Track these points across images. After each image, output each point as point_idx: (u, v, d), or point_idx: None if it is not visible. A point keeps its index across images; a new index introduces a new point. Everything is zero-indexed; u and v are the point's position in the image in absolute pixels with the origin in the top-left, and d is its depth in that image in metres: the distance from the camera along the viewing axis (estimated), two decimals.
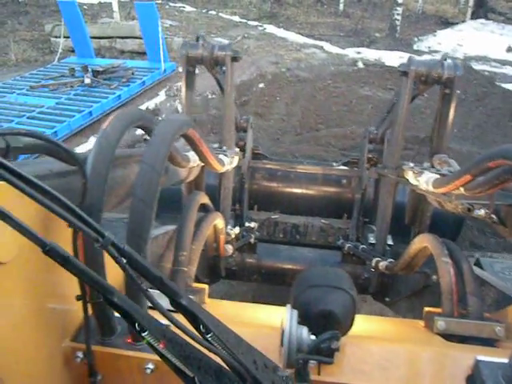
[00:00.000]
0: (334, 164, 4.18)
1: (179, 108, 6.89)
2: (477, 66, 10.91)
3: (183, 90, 2.92)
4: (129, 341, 0.99)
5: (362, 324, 1.53)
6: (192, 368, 0.85)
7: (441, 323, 1.62)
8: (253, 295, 4.10)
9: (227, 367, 0.87)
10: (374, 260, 3.05)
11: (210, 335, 0.85)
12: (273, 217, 3.98)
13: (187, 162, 1.90)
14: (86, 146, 6.03)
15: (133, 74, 8.14)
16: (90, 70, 7.96)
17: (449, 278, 1.78)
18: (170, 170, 1.92)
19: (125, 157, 1.20)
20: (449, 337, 1.59)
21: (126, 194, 1.57)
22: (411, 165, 2.56)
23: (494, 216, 1.84)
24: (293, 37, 13.78)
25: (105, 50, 11.10)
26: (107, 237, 0.75)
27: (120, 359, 1.18)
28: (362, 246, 3.41)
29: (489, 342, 1.56)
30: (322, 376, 1.21)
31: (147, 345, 0.82)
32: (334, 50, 11.98)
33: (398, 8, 12.73)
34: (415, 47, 12.95)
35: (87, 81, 7.68)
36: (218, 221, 2.34)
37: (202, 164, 2.18)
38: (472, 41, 13.26)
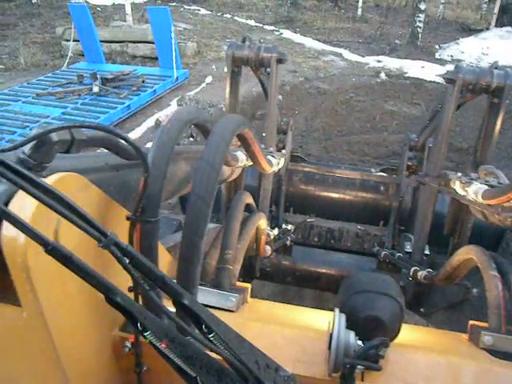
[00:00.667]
0: (373, 170, 4.13)
1: None
2: None
3: (227, 90, 2.95)
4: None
5: (406, 333, 1.50)
6: (194, 368, 0.85)
7: (487, 338, 1.56)
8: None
9: (229, 367, 0.87)
10: (412, 269, 2.99)
11: (212, 335, 0.84)
12: (308, 220, 3.98)
13: (236, 161, 1.92)
14: None
15: (143, 81, 7.77)
16: (98, 77, 7.60)
17: (496, 293, 1.73)
18: None
19: (174, 153, 1.16)
20: (494, 353, 1.53)
21: (173, 190, 1.59)
22: (458, 174, 2.51)
23: None
24: (310, 43, 13.35)
25: (116, 54, 10.77)
26: (110, 236, 0.74)
27: None
28: (398, 254, 3.36)
29: None
30: (366, 382, 1.20)
31: (149, 344, 0.82)
32: (354, 57, 11.52)
33: (421, 15, 12.23)
34: (437, 55, 12.42)
35: (95, 89, 7.31)
36: (262, 221, 2.41)
37: (245, 164, 2.21)
38: (497, 49, 12.68)
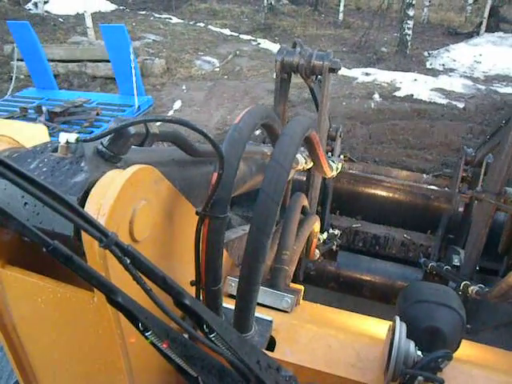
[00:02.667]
0: (425, 176, 4.06)
1: None
2: (501, 89, 9.47)
3: (274, 98, 2.83)
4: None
5: (464, 348, 1.41)
6: (195, 368, 0.85)
7: None
8: None
9: (230, 367, 0.87)
10: (463, 283, 2.92)
11: (213, 335, 0.85)
12: (354, 226, 3.93)
13: (296, 164, 2.02)
14: None
15: (98, 114, 6.56)
16: (44, 110, 6.39)
17: None
18: None
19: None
20: None
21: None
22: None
23: None
24: None
25: (73, 75, 9.51)
26: (111, 236, 0.74)
27: None
28: (445, 267, 3.30)
29: None
30: None
31: (150, 344, 0.82)
32: (341, 70, 10.49)
33: (409, 22, 11.29)
34: (428, 65, 11.49)
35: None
36: (316, 224, 2.44)
37: (304, 167, 2.25)
38: (491, 57, 11.82)
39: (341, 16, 16.72)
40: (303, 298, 1.74)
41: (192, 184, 1.18)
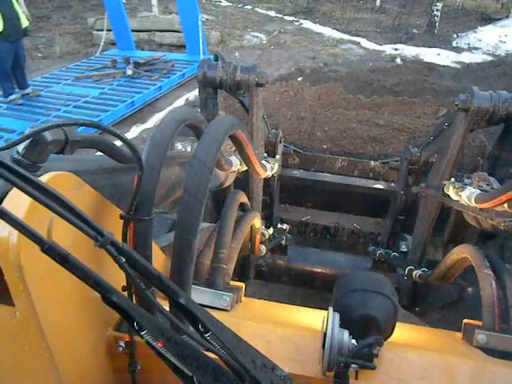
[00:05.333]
0: (372, 163, 4.06)
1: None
2: None
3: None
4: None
5: (400, 331, 1.51)
6: (190, 367, 0.85)
7: (481, 337, 1.58)
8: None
9: (226, 366, 0.87)
10: (407, 268, 3.01)
11: (208, 334, 0.85)
12: (304, 219, 4.00)
13: (229, 166, 1.90)
14: (128, 135, 6.24)
15: (173, 66, 8.33)
16: (131, 61, 8.18)
17: (490, 291, 1.74)
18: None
19: (168, 158, 1.23)
20: (488, 351, 1.55)
21: (167, 194, 1.58)
22: (452, 180, 2.50)
23: None
24: (329, 32, 13.75)
25: (144, 42, 11.36)
26: (106, 236, 0.75)
27: None
28: (393, 254, 3.37)
29: None
30: (360, 381, 1.20)
31: (145, 343, 0.83)
32: (371, 46, 11.90)
33: (438, 3, 12.52)
34: (454, 44, 12.69)
35: (129, 72, 7.90)
36: (256, 220, 2.34)
37: (239, 169, 2.16)
38: None
39: (378, 2, 17.95)
40: (245, 295, 1.75)
41: (123, 190, 1.18)
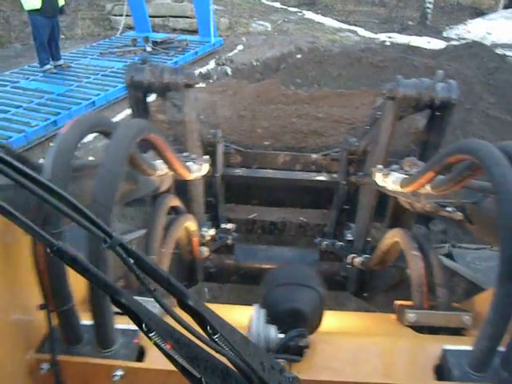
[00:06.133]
0: (314, 156, 4.03)
1: (228, 71, 8.04)
2: (502, 52, 11.64)
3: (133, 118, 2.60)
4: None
5: (334, 320, 1.51)
6: (199, 369, 0.85)
7: (411, 316, 1.65)
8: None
9: (234, 368, 0.87)
10: (350, 256, 3.08)
11: (216, 336, 0.85)
12: (250, 217, 3.98)
13: (154, 170, 1.85)
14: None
15: (187, 45, 9.36)
16: (150, 40, 9.21)
17: (418, 271, 1.81)
18: (141, 180, 1.90)
19: (84, 167, 1.20)
20: (420, 328, 1.62)
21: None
22: (379, 167, 2.53)
23: (460, 213, 1.82)
24: (330, 22, 14.74)
25: (159, 27, 12.38)
26: (115, 237, 0.76)
27: (87, 367, 1.18)
28: (339, 243, 3.41)
29: (458, 332, 1.59)
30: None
31: (154, 345, 0.83)
32: (368, 34, 12.90)
33: None
34: (445, 34, 13.67)
35: (148, 49, 8.93)
36: (190, 223, 2.31)
37: (167, 173, 2.13)
38: (501, 29, 13.86)
39: None
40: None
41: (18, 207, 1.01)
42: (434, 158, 1.69)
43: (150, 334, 0.82)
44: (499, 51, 11.83)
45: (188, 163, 2.43)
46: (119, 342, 1.24)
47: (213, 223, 3.42)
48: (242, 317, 1.30)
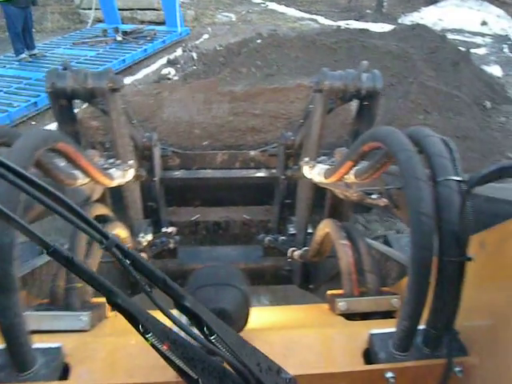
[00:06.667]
0: (252, 153, 4.04)
1: (194, 56, 8.65)
2: (451, 36, 12.58)
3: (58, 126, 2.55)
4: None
5: (266, 316, 1.53)
6: (196, 370, 0.84)
7: (342, 304, 1.66)
8: None
9: (231, 369, 0.86)
10: (290, 250, 3.12)
11: (213, 337, 0.85)
12: (193, 219, 3.93)
13: (74, 180, 1.78)
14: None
15: (155, 34, 9.93)
16: (120, 30, 9.73)
17: (346, 260, 1.83)
18: (68, 190, 1.84)
19: None
20: (352, 316, 1.64)
21: (24, 216, 1.52)
22: (306, 159, 2.54)
23: (386, 200, 1.83)
24: (292, 12, 15.45)
25: (127, 19, 12.84)
26: (111, 238, 0.75)
27: None
28: (281, 238, 3.43)
29: (389, 315, 1.62)
30: None
31: (151, 346, 0.81)
32: (327, 22, 13.68)
33: None
34: (399, 21, 14.56)
35: (119, 38, 9.46)
36: (118, 231, 2.25)
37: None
38: (452, 16, 14.85)
39: None
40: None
41: None
42: (351, 147, 1.71)
43: (147, 335, 0.82)
44: (449, 35, 12.85)
45: (111, 170, 2.36)
46: (39, 363, 1.18)
47: (155, 228, 3.38)
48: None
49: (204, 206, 4.14)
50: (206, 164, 4.03)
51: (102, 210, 2.17)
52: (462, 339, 1.30)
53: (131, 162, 2.66)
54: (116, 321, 1.63)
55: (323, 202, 3.00)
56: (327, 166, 2.25)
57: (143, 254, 2.87)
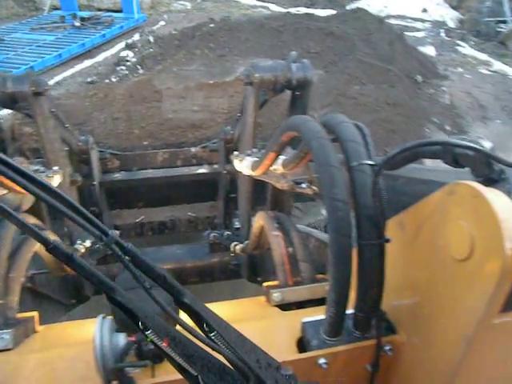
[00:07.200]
0: (193, 149, 4.02)
1: (151, 39, 9.13)
2: (394, 22, 13.54)
3: None
4: None
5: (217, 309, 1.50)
6: (195, 367, 0.84)
7: (276, 295, 1.67)
8: None
9: (231, 366, 0.87)
10: (232, 244, 3.13)
11: (213, 334, 0.85)
12: (137, 220, 3.88)
13: None
14: (82, 65, 8.26)
15: (113, 20, 10.30)
16: (78, 17, 10.06)
17: (279, 251, 1.84)
18: None
19: None
20: (286, 306, 1.65)
21: None
22: (235, 153, 2.57)
23: (314, 188, 1.83)
24: (245, 0, 16.03)
25: (84, 7, 13.08)
26: (111, 235, 0.76)
27: None
28: (226, 233, 3.44)
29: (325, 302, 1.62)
30: (157, 377, 1.19)
31: (151, 343, 0.82)
32: (278, 9, 14.38)
33: None
34: (347, 8, 15.42)
35: (77, 24, 9.79)
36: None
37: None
38: (395, 4, 15.86)
39: None
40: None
41: None
42: (272, 138, 1.71)
43: (147, 332, 0.81)
44: (392, 21, 13.80)
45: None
46: None
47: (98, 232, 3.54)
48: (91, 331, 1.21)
49: (148, 207, 4.09)
50: (147, 164, 3.98)
51: (30, 219, 2.10)
52: (391, 319, 1.33)
53: (56, 167, 2.52)
54: (46, 335, 1.57)
55: (267, 194, 3.01)
56: (255, 159, 2.23)
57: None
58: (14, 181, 0.68)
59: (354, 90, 6.80)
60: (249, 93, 2.61)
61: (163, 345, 0.83)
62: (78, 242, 2.95)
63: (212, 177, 3.93)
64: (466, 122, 7.24)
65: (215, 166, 3.94)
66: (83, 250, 2.94)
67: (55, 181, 2.47)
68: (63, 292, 2.95)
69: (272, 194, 2.87)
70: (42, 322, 1.63)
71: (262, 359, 0.91)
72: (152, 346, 1.11)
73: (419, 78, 8.30)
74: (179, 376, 1.01)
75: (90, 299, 3.33)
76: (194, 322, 0.88)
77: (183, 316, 0.90)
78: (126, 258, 0.80)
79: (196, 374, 0.86)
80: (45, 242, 0.71)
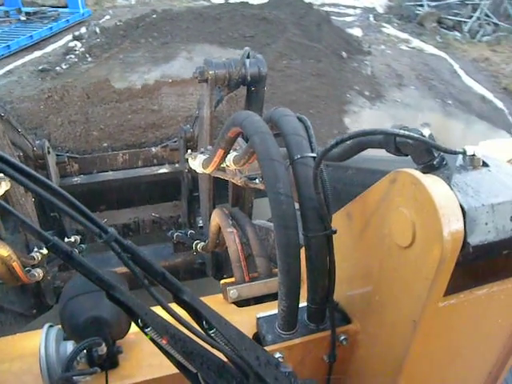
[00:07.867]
0: (153, 149, 4.01)
1: (97, 30, 9.70)
2: (328, 9, 14.61)
3: None
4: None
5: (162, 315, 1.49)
6: (195, 364, 0.85)
7: (233, 292, 1.68)
8: None
9: (230, 363, 0.88)
10: (194, 243, 3.14)
11: (212, 331, 0.86)
12: None
13: None
14: (32, 56, 8.75)
15: (59, 15, 10.77)
16: (22, 11, 10.48)
17: (235, 247, 1.83)
18: None
19: None
20: (244, 302, 1.67)
21: None
22: (189, 151, 2.56)
23: None
24: None
25: (27, 4, 13.39)
26: (110, 233, 0.76)
27: None
28: (190, 232, 3.46)
29: None
30: (111, 383, 1.17)
31: (150, 340, 0.83)
32: (218, 1, 15.17)
33: None
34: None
35: (23, 18, 10.20)
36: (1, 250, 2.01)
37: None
38: None
39: None
40: None
41: None
42: (219, 135, 1.70)
43: (146, 329, 0.83)
44: (327, 8, 14.85)
45: None
46: None
47: (61, 239, 3.57)
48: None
49: (111, 210, 4.05)
50: (107, 166, 3.92)
51: None
52: (345, 309, 1.35)
53: (1, 174, 2.81)
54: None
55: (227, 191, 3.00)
56: (206, 156, 2.21)
57: (38, 270, 2.74)
58: (14, 178, 0.68)
59: (282, 64, 7.67)
60: (204, 90, 2.64)
61: (163, 342, 0.84)
62: (35, 249, 2.92)
63: (174, 176, 3.93)
64: (383, 89, 8.27)
65: (176, 166, 3.96)
66: (40, 258, 2.90)
67: (2, 188, 2.40)
68: (22, 302, 2.90)
69: (233, 191, 2.90)
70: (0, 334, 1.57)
71: (262, 356, 0.91)
72: (102, 352, 1.12)
73: (344, 54, 9.28)
74: (133, 380, 1.02)
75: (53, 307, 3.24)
76: (194, 319, 0.89)
77: (183, 314, 0.91)
78: (126, 255, 0.81)
79: (195, 371, 0.87)
80: (44, 239, 0.72)
